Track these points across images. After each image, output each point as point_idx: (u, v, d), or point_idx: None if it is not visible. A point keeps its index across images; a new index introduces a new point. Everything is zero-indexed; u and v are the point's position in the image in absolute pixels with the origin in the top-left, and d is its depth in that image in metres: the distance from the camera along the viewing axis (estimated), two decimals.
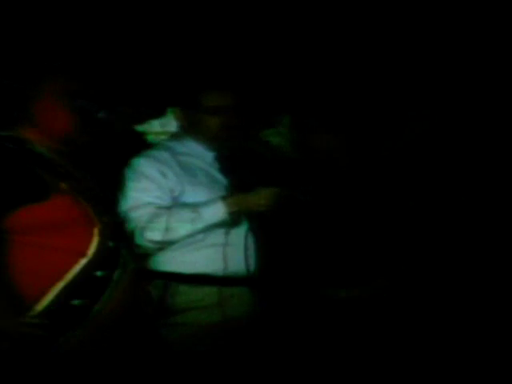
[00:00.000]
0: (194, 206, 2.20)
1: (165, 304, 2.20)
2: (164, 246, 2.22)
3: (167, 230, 2.17)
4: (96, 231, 1.85)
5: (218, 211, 2.19)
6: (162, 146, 2.41)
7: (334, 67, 2.70)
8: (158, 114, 2.97)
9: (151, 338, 2.15)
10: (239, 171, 2.38)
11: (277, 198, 2.18)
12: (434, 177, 2.36)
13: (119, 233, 1.97)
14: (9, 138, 1.87)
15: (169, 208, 2.20)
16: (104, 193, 2.01)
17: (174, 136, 2.44)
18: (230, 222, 2.22)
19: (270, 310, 2.29)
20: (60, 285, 1.78)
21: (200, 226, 2.18)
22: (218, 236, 2.22)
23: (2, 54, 2.31)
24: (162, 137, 2.91)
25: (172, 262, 2.23)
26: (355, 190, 2.35)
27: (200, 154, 2.35)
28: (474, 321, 2.29)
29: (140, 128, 3.10)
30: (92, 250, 1.83)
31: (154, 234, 2.18)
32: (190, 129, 2.35)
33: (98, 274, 1.83)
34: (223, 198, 2.21)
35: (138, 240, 2.17)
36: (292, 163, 2.58)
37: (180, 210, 2.20)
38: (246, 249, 2.25)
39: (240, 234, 2.25)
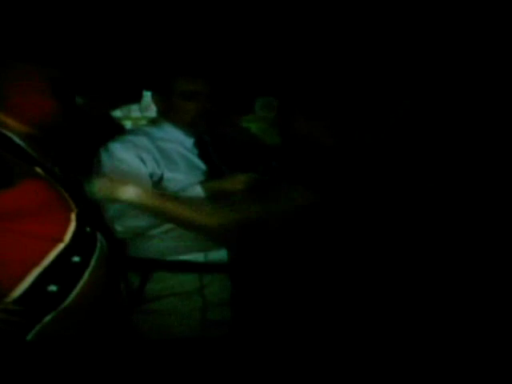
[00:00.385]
0: (174, 192, 2.19)
1: (143, 291, 2.19)
2: (143, 232, 2.20)
3: (146, 215, 2.15)
4: (73, 216, 1.83)
5: (196, 196, 2.17)
6: (140, 131, 2.39)
7: (317, 53, 2.69)
8: (134, 98, 2.95)
9: (126, 325, 2.14)
10: (218, 157, 2.38)
11: (253, 183, 2.18)
12: (421, 161, 2.36)
13: (96, 218, 1.96)
14: None
15: (148, 194, 2.19)
16: (80, 178, 1.99)
17: (153, 121, 2.42)
18: None
19: (250, 296, 2.29)
20: (36, 271, 1.76)
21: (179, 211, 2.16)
22: None
23: None
24: (142, 122, 2.89)
25: (152, 248, 2.22)
26: (339, 175, 2.35)
27: (179, 140, 2.34)
28: (472, 320, 2.29)
29: (118, 113, 3.07)
30: (69, 235, 1.81)
31: (133, 220, 2.16)
32: (166, 114, 2.34)
33: (75, 259, 1.81)
34: (201, 183, 2.20)
35: (117, 226, 2.16)
36: (270, 149, 2.58)
37: (159, 196, 2.18)
38: None
39: None
